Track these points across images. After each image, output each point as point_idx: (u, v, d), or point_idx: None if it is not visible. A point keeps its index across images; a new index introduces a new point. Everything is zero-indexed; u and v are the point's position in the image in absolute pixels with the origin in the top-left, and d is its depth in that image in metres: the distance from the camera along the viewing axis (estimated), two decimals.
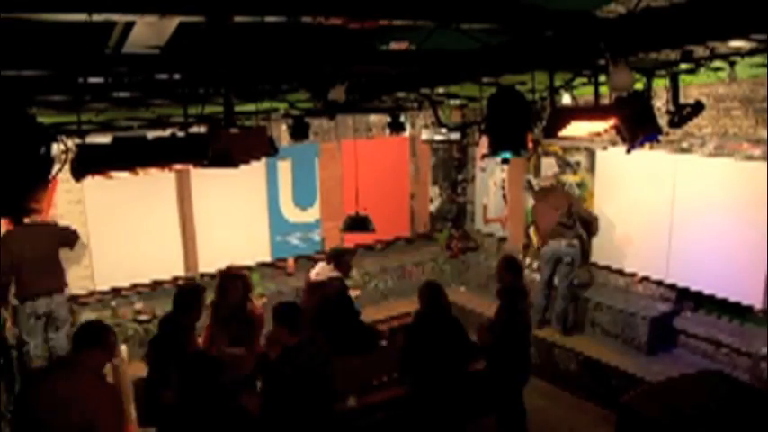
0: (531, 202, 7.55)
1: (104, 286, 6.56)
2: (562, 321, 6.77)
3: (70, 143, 3.22)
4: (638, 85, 4.10)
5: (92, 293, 6.51)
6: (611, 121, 3.66)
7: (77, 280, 6.32)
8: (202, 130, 4.30)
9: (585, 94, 5.05)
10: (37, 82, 3.03)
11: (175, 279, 6.88)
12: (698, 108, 4.43)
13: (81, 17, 1.91)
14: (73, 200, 6.26)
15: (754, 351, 5.44)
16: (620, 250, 6.82)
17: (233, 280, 4.99)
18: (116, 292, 6.63)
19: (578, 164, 7.28)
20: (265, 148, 4.41)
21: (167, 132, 3.99)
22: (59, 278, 5.88)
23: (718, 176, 5.81)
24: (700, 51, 3.84)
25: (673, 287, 6.34)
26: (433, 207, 8.82)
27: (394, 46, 3.45)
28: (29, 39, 2.51)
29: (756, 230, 5.40)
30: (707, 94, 5.74)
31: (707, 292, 5.97)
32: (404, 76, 4.30)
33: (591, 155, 7.07)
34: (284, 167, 7.48)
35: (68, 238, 5.98)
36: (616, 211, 6.81)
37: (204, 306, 4.68)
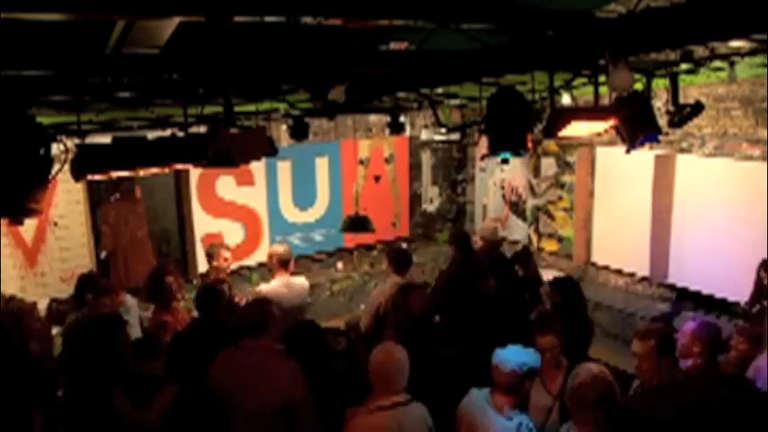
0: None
1: None
2: None
3: (70, 143, 3.22)
4: (638, 85, 4.09)
5: None
6: (611, 122, 3.66)
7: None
8: (202, 130, 4.30)
9: (585, 94, 5.04)
10: (37, 82, 3.03)
11: None
12: (698, 108, 4.41)
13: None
14: (73, 200, 6.25)
15: None
16: (619, 250, 6.82)
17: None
18: None
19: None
20: (265, 148, 4.41)
21: (167, 132, 4.00)
22: None
23: (717, 176, 5.81)
24: (700, 51, 3.84)
25: (672, 287, 6.34)
26: (432, 207, 8.83)
27: (394, 46, 3.45)
28: (29, 39, 2.50)
29: (756, 230, 5.39)
30: (707, 94, 5.73)
31: (706, 291, 5.97)
32: (404, 76, 4.29)
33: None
34: (284, 168, 7.48)
35: None
36: (616, 210, 6.81)
37: None
